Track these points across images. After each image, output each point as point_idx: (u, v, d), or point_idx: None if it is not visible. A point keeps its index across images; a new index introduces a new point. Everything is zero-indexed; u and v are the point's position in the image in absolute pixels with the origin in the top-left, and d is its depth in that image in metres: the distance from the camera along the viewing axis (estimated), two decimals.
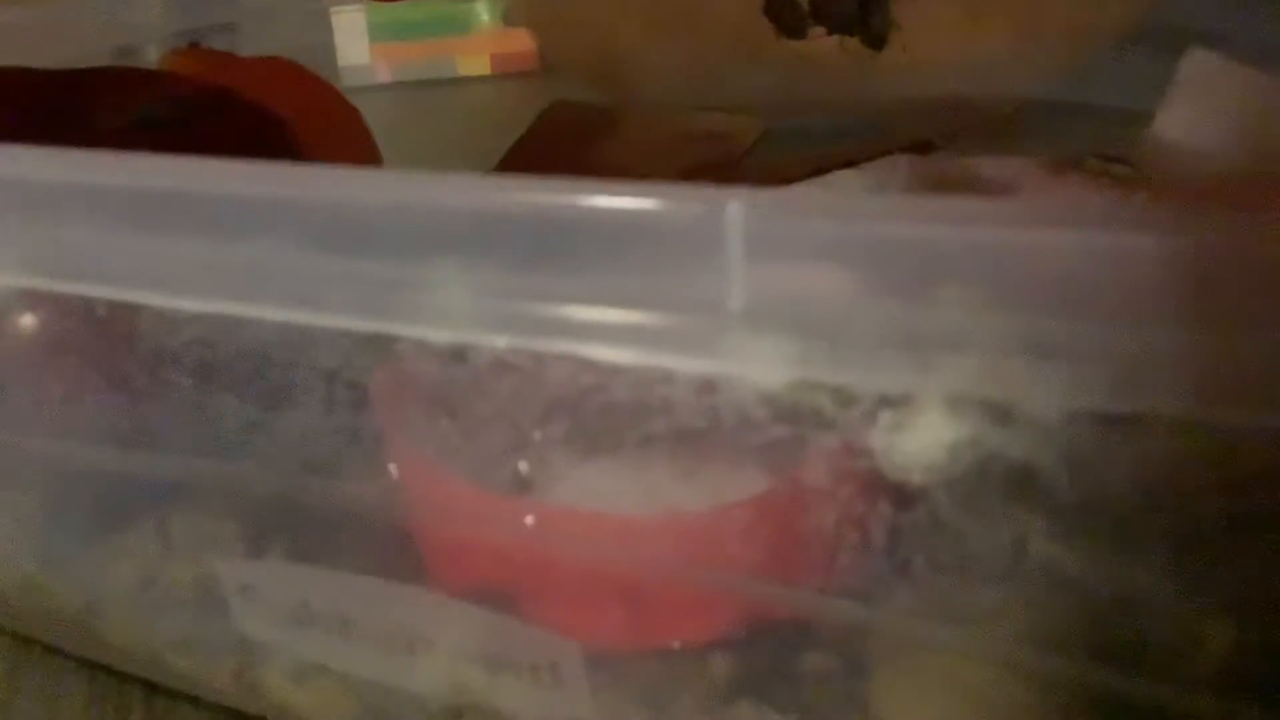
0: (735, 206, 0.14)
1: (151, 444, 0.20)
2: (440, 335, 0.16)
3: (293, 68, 0.39)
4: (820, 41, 0.40)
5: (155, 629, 0.23)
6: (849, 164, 0.34)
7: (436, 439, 0.19)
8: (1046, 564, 0.16)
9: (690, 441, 0.17)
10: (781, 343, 0.14)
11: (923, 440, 0.15)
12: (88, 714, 0.25)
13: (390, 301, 0.16)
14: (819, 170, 0.34)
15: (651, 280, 0.15)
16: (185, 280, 0.17)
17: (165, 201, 0.17)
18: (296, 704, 0.22)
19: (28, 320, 0.21)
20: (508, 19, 0.64)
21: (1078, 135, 0.43)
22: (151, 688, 0.25)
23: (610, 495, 0.19)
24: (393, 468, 0.19)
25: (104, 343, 0.20)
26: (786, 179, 0.34)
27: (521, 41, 0.64)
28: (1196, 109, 0.37)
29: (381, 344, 0.17)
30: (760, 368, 0.14)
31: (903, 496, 0.16)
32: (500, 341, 0.16)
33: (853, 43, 0.40)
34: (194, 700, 0.25)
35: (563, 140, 0.49)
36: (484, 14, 0.64)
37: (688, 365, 0.15)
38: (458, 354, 0.17)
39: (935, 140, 0.38)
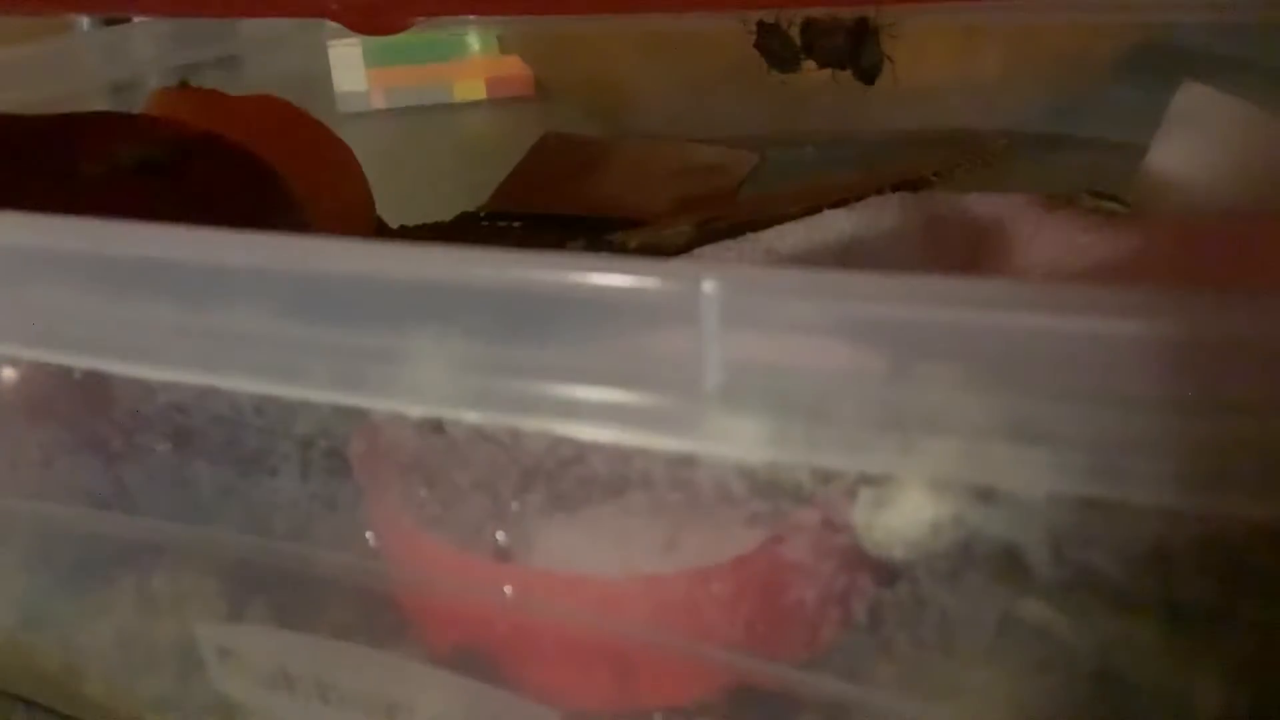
0: (711, 285, 0.14)
1: (129, 506, 0.20)
2: (415, 409, 0.16)
3: (283, 106, 0.38)
4: (812, 75, 0.40)
5: (136, 688, 0.23)
6: (841, 202, 0.34)
7: (414, 505, 0.19)
8: (1029, 641, 0.15)
9: (668, 510, 0.16)
10: (758, 422, 0.14)
11: (904, 517, 0.15)
12: None
13: (365, 374, 0.15)
14: (812, 210, 0.33)
15: (627, 357, 0.14)
16: (157, 349, 0.17)
17: (137, 269, 0.17)
18: None
19: (4, 383, 0.21)
20: (502, 46, 0.64)
21: (1069, 167, 0.43)
22: None
23: (588, 560, 0.18)
24: (370, 535, 0.19)
25: (80, 406, 0.20)
26: (780, 218, 0.34)
27: (517, 66, 0.64)
28: (1191, 143, 0.36)
29: (358, 413, 0.17)
30: (737, 446, 0.14)
31: (884, 572, 0.15)
32: (474, 417, 0.15)
33: (845, 76, 0.40)
34: None
35: (556, 172, 0.49)
36: (478, 41, 0.65)
37: (664, 443, 0.15)
38: (435, 425, 0.16)
39: (927, 175, 0.38)
